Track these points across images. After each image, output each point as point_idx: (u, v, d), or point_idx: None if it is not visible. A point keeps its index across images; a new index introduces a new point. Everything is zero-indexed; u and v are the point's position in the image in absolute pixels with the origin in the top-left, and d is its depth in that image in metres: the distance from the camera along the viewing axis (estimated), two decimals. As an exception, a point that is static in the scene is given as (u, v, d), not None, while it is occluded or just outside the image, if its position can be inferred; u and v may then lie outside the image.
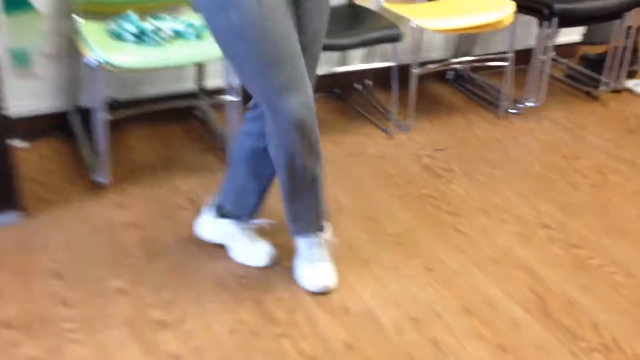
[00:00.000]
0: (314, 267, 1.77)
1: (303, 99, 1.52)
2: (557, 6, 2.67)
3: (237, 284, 1.79)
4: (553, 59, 3.42)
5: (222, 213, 1.85)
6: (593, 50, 3.41)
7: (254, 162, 1.74)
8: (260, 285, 1.78)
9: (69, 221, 2.01)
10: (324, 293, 1.75)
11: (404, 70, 2.78)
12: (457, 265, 1.89)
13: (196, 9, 1.63)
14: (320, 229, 1.78)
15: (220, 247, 1.92)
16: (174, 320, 1.65)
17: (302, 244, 1.79)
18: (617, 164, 2.49)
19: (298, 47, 1.51)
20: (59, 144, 2.46)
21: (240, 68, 1.55)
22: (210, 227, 1.89)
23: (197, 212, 2.08)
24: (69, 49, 2.37)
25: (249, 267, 1.85)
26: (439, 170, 2.40)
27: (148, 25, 2.15)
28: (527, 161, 2.49)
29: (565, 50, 3.49)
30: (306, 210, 1.73)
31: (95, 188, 2.19)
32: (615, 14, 2.85)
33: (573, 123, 2.81)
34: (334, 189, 2.22)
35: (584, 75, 3.25)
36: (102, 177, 2.19)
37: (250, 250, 1.84)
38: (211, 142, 2.53)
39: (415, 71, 2.61)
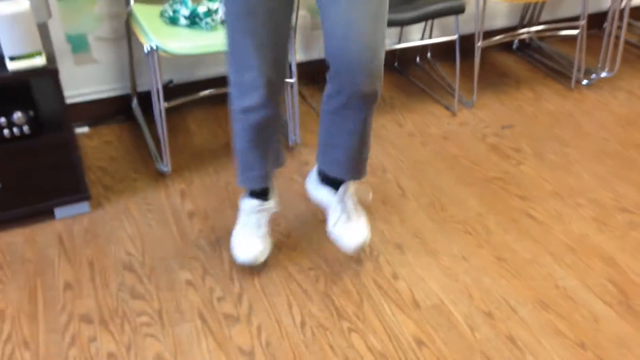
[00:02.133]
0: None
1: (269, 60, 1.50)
2: (637, -32, 2.48)
3: (304, 276, 1.76)
4: (628, 24, 3.21)
5: (322, 179, 1.83)
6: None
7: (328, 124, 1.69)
8: (327, 277, 1.76)
9: (136, 211, 2.02)
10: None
11: (466, 41, 2.66)
12: (530, 254, 1.81)
13: None
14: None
15: (286, 237, 1.90)
16: (244, 314, 1.64)
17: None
18: (701, 139, 2.33)
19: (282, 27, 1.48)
20: (121, 128, 2.47)
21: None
22: (313, 189, 1.87)
23: (260, 199, 2.06)
24: (126, 32, 2.35)
25: (316, 259, 1.82)
26: (507, 150, 2.29)
27: (202, 7, 2.10)
28: (603, 138, 2.35)
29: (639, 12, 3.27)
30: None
31: (159, 176, 2.19)
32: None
33: (651, 94, 2.64)
34: (396, 172, 2.16)
35: (663, 40, 3.04)
36: (165, 166, 2.19)
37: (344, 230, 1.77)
38: (270, 124, 2.49)
39: (479, 44, 2.49)
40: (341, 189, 1.75)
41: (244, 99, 1.56)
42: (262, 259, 1.75)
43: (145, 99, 2.47)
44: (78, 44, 2.36)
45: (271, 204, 1.81)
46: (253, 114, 1.58)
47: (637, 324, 1.59)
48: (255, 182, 1.74)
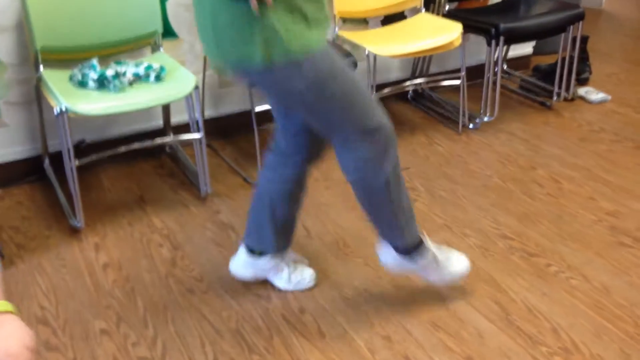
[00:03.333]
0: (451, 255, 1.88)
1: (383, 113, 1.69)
2: (503, 25, 2.82)
3: (217, 316, 1.86)
4: (507, 72, 3.58)
5: (257, 252, 1.92)
6: (545, 61, 3.57)
7: (276, 205, 1.82)
8: (239, 316, 1.87)
9: (49, 267, 2.07)
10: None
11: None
12: (423, 281, 2.00)
13: (256, 85, 1.71)
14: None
15: (199, 281, 2.00)
16: (158, 356, 1.72)
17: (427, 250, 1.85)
18: (571, 172, 2.63)
19: None
20: (33, 189, 2.51)
21: (327, 114, 1.61)
22: (245, 265, 1.94)
23: (173, 248, 2.16)
24: (35, 96, 2.43)
25: (229, 300, 1.93)
26: (403, 190, 2.50)
27: (110, 71, 2.23)
28: (486, 175, 2.62)
29: (518, 62, 3.66)
30: (411, 216, 1.82)
31: (72, 232, 2.25)
32: (559, 28, 3.01)
33: (529, 134, 2.95)
34: (302, 215, 2.32)
35: (537, 87, 3.40)
36: (77, 222, 2.25)
37: (296, 277, 1.95)
38: (182, 177, 2.61)
39: (374, 94, 2.73)
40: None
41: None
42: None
43: (57, 158, 2.53)
44: (-13, 108, 2.42)
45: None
46: None
47: (517, 336, 1.79)
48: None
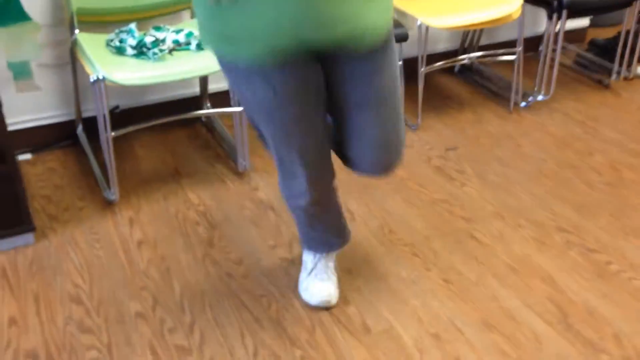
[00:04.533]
0: (318, 281, 1.76)
1: (311, 181, 1.53)
2: (567, -3, 2.61)
3: (256, 303, 1.77)
4: (562, 47, 3.36)
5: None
6: (601, 35, 3.35)
7: None
8: (279, 304, 1.77)
9: (83, 241, 1.99)
10: (325, 307, 1.75)
11: (411, 66, 2.74)
12: (475, 276, 1.88)
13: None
14: (332, 247, 1.77)
15: (237, 264, 1.91)
16: (196, 346, 1.64)
17: (308, 258, 1.78)
18: (631, 159, 2.46)
19: (313, 128, 1.45)
20: (66, 155, 2.43)
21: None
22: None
23: (210, 227, 2.06)
24: (70, 59, 2.32)
25: (268, 285, 1.83)
26: (452, 172, 2.37)
27: (148, 37, 2.10)
28: (540, 159, 2.46)
29: (573, 35, 3.44)
30: (317, 236, 1.74)
31: (106, 204, 2.16)
32: (625, 3, 2.79)
33: (585, 115, 2.77)
34: (345, 197, 2.20)
35: (594, 63, 3.19)
36: (112, 194, 2.16)
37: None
38: (218, 148, 2.50)
39: (423, 69, 2.56)
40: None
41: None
42: (334, 301, 1.75)
43: (90, 124, 2.43)
44: (20, 71, 2.31)
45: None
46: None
47: (576, 342, 1.67)
48: (318, 248, 1.77)
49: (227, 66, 1.39)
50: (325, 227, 1.73)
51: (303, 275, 1.80)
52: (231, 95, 2.23)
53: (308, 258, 1.79)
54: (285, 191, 1.61)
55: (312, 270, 1.78)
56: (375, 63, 1.39)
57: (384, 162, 1.55)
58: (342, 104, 1.46)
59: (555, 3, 2.63)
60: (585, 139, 2.60)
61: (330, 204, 1.69)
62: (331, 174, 1.61)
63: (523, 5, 2.54)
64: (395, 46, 1.46)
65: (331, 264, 1.80)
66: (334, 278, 1.80)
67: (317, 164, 1.53)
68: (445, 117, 2.74)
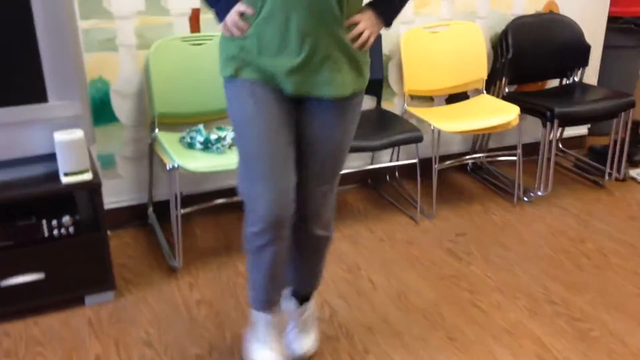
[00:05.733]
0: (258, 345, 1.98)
1: (276, 197, 1.70)
2: (557, 110, 3.11)
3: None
4: (562, 151, 3.84)
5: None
6: (600, 142, 3.82)
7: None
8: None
9: (152, 299, 2.44)
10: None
11: (427, 163, 3.22)
12: (475, 336, 2.24)
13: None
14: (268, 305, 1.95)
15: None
16: (243, 381, 2.03)
17: (259, 320, 1.97)
18: (618, 247, 2.84)
19: (281, 147, 1.71)
20: (138, 232, 2.92)
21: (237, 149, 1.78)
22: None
23: (255, 291, 2.49)
24: (148, 153, 2.87)
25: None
26: (460, 254, 2.78)
27: (213, 135, 2.63)
28: (538, 244, 2.86)
29: (574, 142, 3.92)
30: (262, 289, 1.90)
31: (170, 271, 2.62)
32: (611, 114, 3.27)
33: (580, 210, 3.18)
34: (368, 270, 2.61)
35: (591, 166, 3.64)
36: (176, 262, 2.62)
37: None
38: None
39: (436, 166, 3.05)
40: (305, 304, 2.08)
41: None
42: None
43: (159, 207, 2.94)
44: (107, 162, 2.87)
45: (277, 317, 2.00)
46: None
47: (559, 391, 2.01)
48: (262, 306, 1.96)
49: (229, 81, 1.73)
50: (270, 275, 1.86)
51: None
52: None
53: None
54: (246, 200, 1.76)
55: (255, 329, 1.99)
56: (337, 117, 1.75)
57: (320, 208, 1.86)
58: (300, 139, 1.79)
59: (548, 114, 3.13)
60: (579, 229, 3.00)
61: (285, 243, 1.82)
62: (292, 208, 1.75)
63: (520, 116, 3.04)
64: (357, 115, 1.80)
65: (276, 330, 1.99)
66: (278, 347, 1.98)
67: (281, 185, 1.70)
68: (456, 209, 3.19)
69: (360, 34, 1.70)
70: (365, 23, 1.70)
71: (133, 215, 2.98)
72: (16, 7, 2.17)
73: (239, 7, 1.67)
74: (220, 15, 1.71)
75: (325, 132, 1.77)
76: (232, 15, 1.67)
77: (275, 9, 1.61)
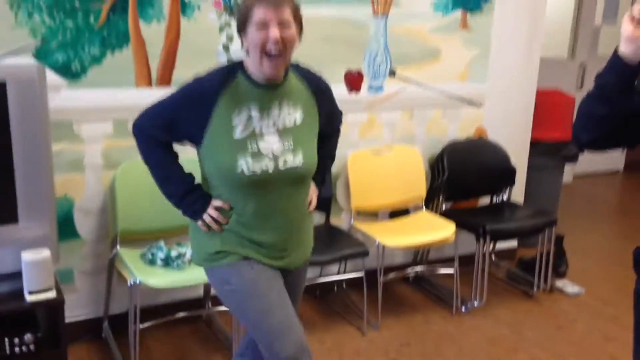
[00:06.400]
0: None
1: (295, 341, 1.86)
2: (489, 226, 3.43)
3: None
4: (495, 263, 4.15)
5: None
6: (529, 253, 4.15)
7: None
8: None
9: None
10: None
11: (372, 276, 3.44)
12: None
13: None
14: None
15: None
16: None
17: None
18: (548, 355, 3.08)
19: (286, 298, 1.92)
20: (92, 346, 2.97)
21: (245, 320, 1.94)
22: None
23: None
24: (107, 268, 2.97)
25: None
26: (404, 363, 2.95)
27: (174, 251, 2.79)
28: (476, 355, 3.07)
29: (505, 253, 4.24)
30: None
31: (126, 385, 2.68)
32: (536, 230, 3.62)
33: (513, 319, 3.44)
34: (320, 382, 2.74)
35: (521, 277, 3.94)
36: (132, 376, 2.69)
37: None
38: (217, 342, 3.07)
39: (381, 279, 3.27)
40: None
41: None
42: None
43: (114, 320, 3.02)
44: (65, 277, 2.95)
45: None
46: None
47: None
48: None
49: (217, 271, 1.92)
50: None
51: None
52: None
53: None
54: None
55: None
56: (300, 277, 2.12)
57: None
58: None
59: (481, 230, 3.44)
60: (513, 339, 3.23)
61: None
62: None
63: (456, 232, 3.33)
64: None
65: None
66: None
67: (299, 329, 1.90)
68: (400, 319, 3.38)
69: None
70: (313, 195, 2.13)
71: (87, 330, 3.03)
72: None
73: (215, 202, 1.90)
74: (190, 214, 1.93)
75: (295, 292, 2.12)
76: (211, 213, 1.89)
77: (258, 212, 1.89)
